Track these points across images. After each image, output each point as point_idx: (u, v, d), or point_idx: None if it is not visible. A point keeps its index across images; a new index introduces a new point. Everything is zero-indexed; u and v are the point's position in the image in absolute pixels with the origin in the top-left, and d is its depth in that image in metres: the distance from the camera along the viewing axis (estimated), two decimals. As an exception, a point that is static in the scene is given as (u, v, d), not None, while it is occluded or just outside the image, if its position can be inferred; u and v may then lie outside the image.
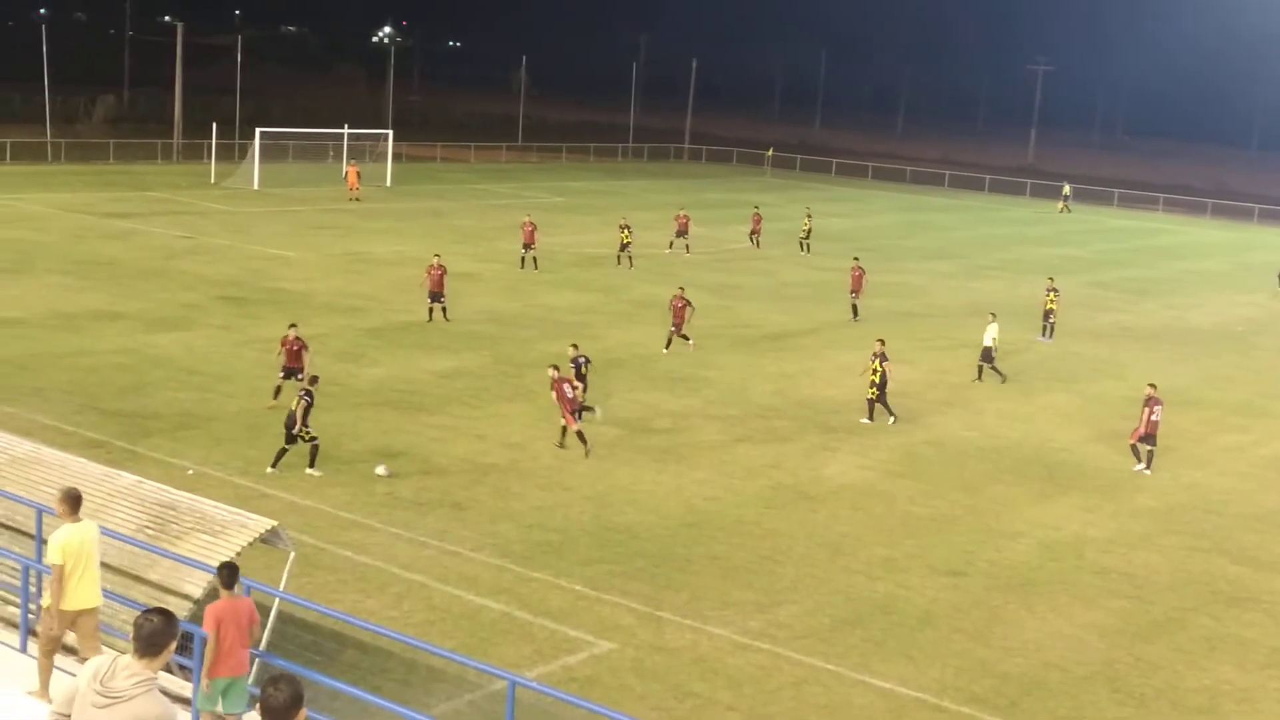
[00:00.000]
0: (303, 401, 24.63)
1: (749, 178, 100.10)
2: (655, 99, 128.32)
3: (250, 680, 12.34)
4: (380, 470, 24.91)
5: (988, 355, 36.22)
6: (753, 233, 60.63)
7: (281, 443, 24.73)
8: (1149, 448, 29.03)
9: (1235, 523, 26.15)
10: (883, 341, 31.85)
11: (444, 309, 38.65)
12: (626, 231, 52.16)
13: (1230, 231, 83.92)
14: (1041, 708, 17.83)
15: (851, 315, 44.00)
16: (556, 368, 28.01)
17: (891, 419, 31.07)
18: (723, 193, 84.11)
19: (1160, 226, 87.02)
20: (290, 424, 24.62)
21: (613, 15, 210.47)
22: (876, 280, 52.15)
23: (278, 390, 29.10)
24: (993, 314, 37.67)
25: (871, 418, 31.17)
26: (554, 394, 27.40)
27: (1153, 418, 28.77)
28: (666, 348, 37.00)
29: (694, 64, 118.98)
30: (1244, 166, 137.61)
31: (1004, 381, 36.01)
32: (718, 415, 31.00)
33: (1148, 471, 28.85)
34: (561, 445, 27.46)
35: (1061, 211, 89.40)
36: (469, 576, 20.54)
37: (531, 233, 49.58)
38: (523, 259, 49.53)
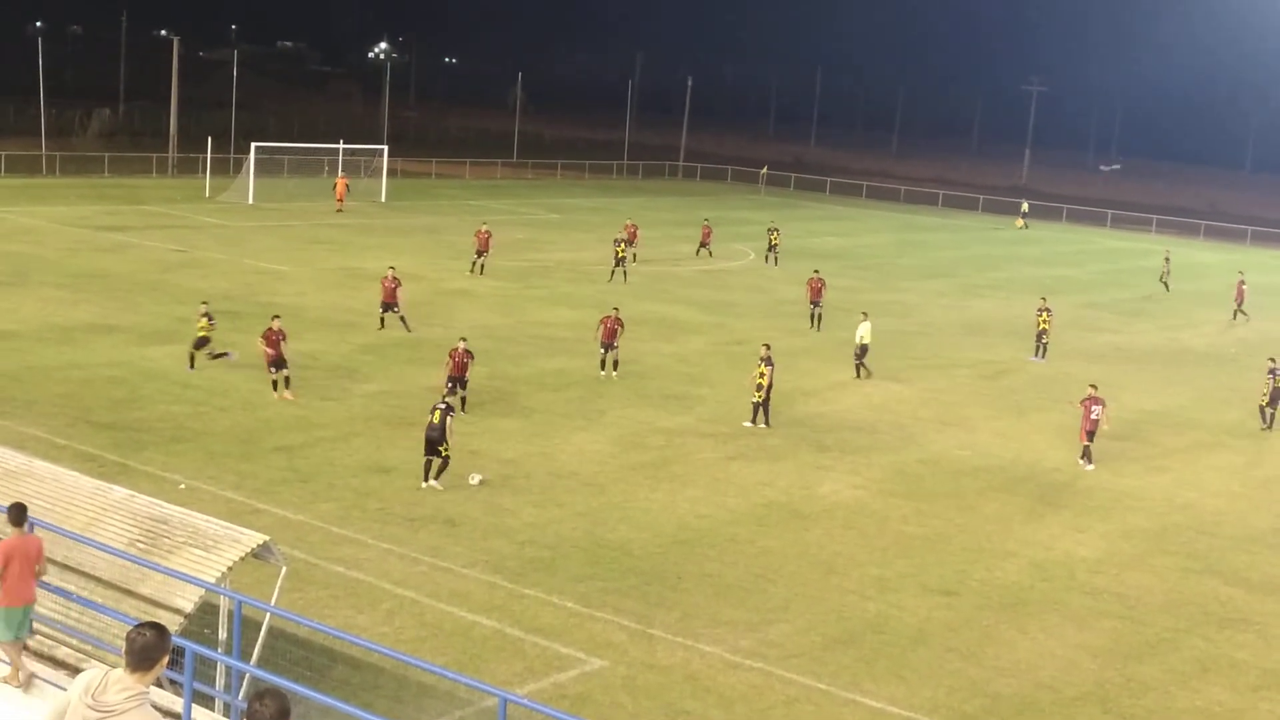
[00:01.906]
0: (449, 416, 25.17)
1: (743, 195, 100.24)
2: (651, 116, 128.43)
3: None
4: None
5: (863, 352, 37.65)
6: (702, 244, 61.59)
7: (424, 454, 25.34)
8: (1086, 444, 30.43)
9: (1228, 544, 26.18)
10: (768, 346, 32.28)
11: (402, 318, 38.90)
12: (621, 246, 52.28)
13: (1223, 253, 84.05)
14: (1033, 728, 17.84)
15: (811, 325, 44.91)
16: (278, 316, 31.88)
17: (763, 426, 31.31)
18: (717, 210, 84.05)
19: (1153, 248, 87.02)
20: (439, 439, 24.97)
21: (609, 33, 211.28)
22: (871, 299, 52.23)
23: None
24: (864, 313, 38.99)
25: (754, 421, 31.53)
26: (264, 343, 30.86)
27: (1092, 416, 30.23)
28: (603, 369, 35.56)
29: (689, 82, 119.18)
30: (1237, 188, 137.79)
31: (865, 377, 37.52)
32: (711, 433, 31.01)
33: (1090, 468, 30.10)
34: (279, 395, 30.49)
35: (1020, 228, 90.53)
36: (461, 593, 20.52)
37: (486, 239, 51.04)
38: (473, 264, 50.99)
